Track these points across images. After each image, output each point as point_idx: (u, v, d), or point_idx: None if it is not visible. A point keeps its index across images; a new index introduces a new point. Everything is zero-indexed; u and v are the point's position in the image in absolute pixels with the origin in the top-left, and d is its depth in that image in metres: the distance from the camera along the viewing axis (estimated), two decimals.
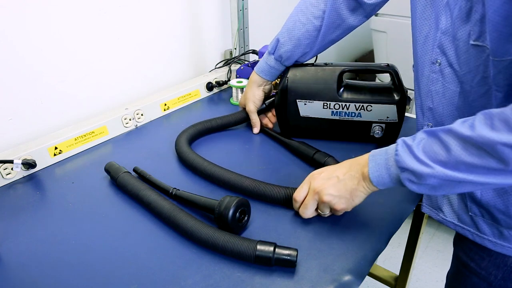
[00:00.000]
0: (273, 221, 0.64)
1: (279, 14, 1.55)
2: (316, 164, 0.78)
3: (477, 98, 0.55)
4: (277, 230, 0.62)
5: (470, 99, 0.56)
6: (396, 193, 0.71)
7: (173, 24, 1.15)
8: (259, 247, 0.54)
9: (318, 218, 0.64)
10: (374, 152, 0.56)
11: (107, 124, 0.93)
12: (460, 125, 0.47)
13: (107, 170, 0.77)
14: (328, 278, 0.53)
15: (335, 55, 2.07)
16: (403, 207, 0.69)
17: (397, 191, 0.71)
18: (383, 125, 0.83)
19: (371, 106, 0.81)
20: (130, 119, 0.98)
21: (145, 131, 0.97)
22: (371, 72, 0.85)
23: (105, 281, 0.54)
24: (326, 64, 0.85)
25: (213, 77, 1.20)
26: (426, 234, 1.73)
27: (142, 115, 1.00)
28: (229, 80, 1.21)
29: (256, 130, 0.92)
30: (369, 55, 2.21)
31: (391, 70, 0.81)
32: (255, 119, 0.92)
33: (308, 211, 0.62)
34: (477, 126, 0.45)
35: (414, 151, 0.50)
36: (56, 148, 0.84)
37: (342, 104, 0.82)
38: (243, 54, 1.29)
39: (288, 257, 0.53)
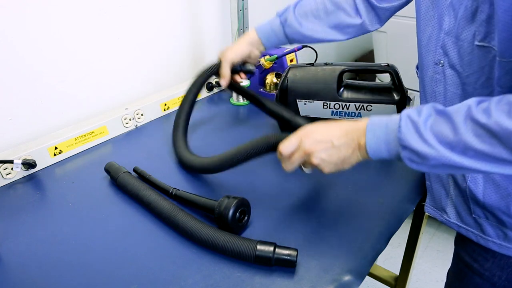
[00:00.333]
0: (273, 221, 0.64)
1: None
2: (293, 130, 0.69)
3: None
4: (277, 230, 0.62)
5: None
6: (396, 193, 0.71)
7: (173, 24, 1.15)
8: (259, 247, 0.54)
9: (318, 218, 0.64)
10: (373, 121, 0.51)
11: (107, 124, 0.93)
12: (475, 108, 0.43)
13: (107, 170, 0.77)
14: (328, 278, 0.53)
15: (335, 55, 2.07)
16: (403, 207, 0.69)
17: (397, 191, 0.71)
18: None
19: (371, 106, 0.81)
20: (130, 119, 0.98)
21: (145, 131, 0.97)
22: (371, 72, 0.85)
23: (105, 281, 0.54)
24: (326, 64, 0.85)
25: (213, 77, 1.20)
26: (426, 234, 1.73)
27: (142, 115, 1.00)
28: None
29: (223, 82, 0.83)
30: (369, 55, 2.21)
31: (391, 70, 0.81)
32: (225, 70, 0.82)
33: (292, 167, 0.58)
34: (493, 111, 0.41)
35: (421, 130, 0.45)
36: (56, 148, 0.84)
37: (342, 104, 0.82)
38: None
39: (288, 257, 0.53)
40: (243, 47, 0.82)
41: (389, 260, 1.64)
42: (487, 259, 0.62)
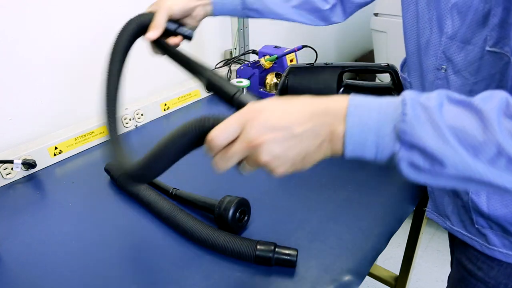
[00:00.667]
0: (273, 221, 0.64)
1: None
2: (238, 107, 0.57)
3: None
4: (277, 230, 0.62)
5: None
6: (396, 193, 0.71)
7: None
8: (259, 247, 0.54)
9: (318, 218, 0.64)
10: (358, 101, 0.36)
11: None
12: None
13: (107, 170, 0.77)
14: (328, 278, 0.53)
15: (335, 55, 2.07)
16: (403, 207, 0.69)
17: (397, 191, 0.71)
18: None
19: None
20: (130, 119, 0.98)
21: (145, 131, 0.97)
22: (371, 72, 0.85)
23: (105, 281, 0.54)
24: (326, 64, 0.85)
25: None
26: (426, 234, 1.73)
27: (142, 115, 1.00)
28: (229, 80, 1.20)
29: (152, 33, 0.64)
30: (369, 55, 2.21)
31: (391, 70, 0.81)
32: (159, 20, 0.64)
33: (228, 165, 0.39)
34: None
35: (438, 122, 0.32)
36: (56, 148, 0.84)
37: None
38: (243, 54, 1.29)
39: (288, 257, 0.53)
40: (188, 1, 0.66)
41: (389, 260, 1.64)
42: (492, 267, 0.60)
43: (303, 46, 1.00)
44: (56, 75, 0.90)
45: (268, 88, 1.16)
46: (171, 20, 0.66)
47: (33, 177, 0.79)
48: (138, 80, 1.10)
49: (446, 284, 0.74)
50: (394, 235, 0.63)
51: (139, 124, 1.00)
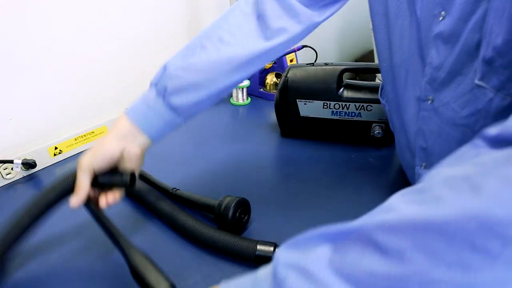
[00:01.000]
0: (273, 221, 0.64)
1: None
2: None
3: None
4: (277, 230, 0.62)
5: None
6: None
7: (173, 24, 1.15)
8: (259, 247, 0.54)
9: (319, 218, 0.64)
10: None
11: (107, 124, 0.93)
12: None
13: None
14: None
15: (335, 54, 2.07)
16: None
17: (397, 191, 0.71)
18: (383, 125, 0.83)
19: (371, 106, 0.81)
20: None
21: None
22: (371, 72, 0.85)
23: (105, 281, 0.54)
24: (326, 64, 0.85)
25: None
26: None
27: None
28: None
29: (75, 201, 0.53)
30: (369, 55, 2.21)
31: None
32: (83, 184, 0.52)
33: None
34: None
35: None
36: (56, 148, 0.84)
37: (342, 104, 0.82)
38: None
39: None
40: (110, 145, 0.52)
41: None
42: None
43: (303, 46, 1.00)
44: (56, 75, 0.90)
45: (268, 88, 1.16)
46: (101, 173, 0.53)
47: (33, 177, 0.79)
48: (138, 80, 1.10)
49: None
50: None
51: None
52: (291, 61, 1.19)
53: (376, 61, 1.91)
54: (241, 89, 1.09)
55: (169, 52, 1.20)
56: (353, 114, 0.83)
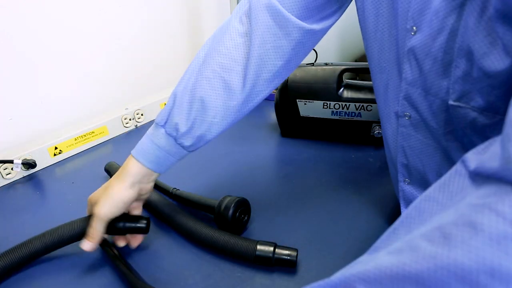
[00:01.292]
0: (273, 221, 0.64)
1: None
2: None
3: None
4: (277, 230, 0.62)
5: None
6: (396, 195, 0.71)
7: (173, 24, 1.15)
8: (259, 247, 0.54)
9: (319, 218, 0.64)
10: None
11: (107, 124, 0.93)
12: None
13: (107, 170, 0.77)
14: None
15: (336, 54, 2.07)
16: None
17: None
18: None
19: (371, 106, 0.81)
20: (130, 119, 0.98)
21: (145, 131, 0.97)
22: None
23: (105, 281, 0.54)
24: (326, 64, 0.85)
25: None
26: None
27: (142, 115, 1.00)
28: None
29: (87, 246, 0.53)
30: None
31: None
32: (96, 230, 0.52)
33: None
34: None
35: None
36: (56, 148, 0.84)
37: (342, 104, 0.82)
38: None
39: (288, 257, 0.53)
40: (127, 193, 0.52)
41: None
42: None
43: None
44: (56, 75, 0.90)
45: None
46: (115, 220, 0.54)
47: (33, 177, 0.79)
48: (138, 80, 1.10)
49: None
50: None
51: (139, 124, 1.00)
52: None
53: None
54: None
55: (169, 52, 1.21)
56: (353, 114, 0.83)
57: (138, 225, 0.55)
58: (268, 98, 1.14)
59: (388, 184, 0.73)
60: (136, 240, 0.57)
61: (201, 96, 0.52)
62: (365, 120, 0.83)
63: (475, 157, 0.29)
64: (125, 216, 0.56)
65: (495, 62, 0.34)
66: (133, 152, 0.54)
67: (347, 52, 2.22)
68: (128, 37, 1.03)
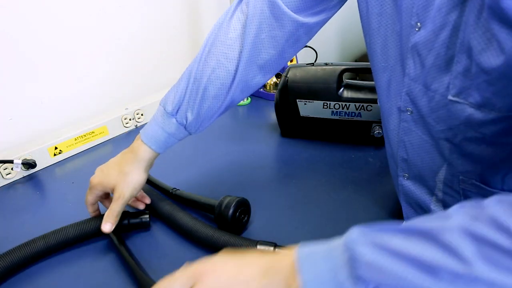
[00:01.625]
0: (273, 221, 0.64)
1: None
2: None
3: (468, 153, 0.46)
4: (277, 230, 0.62)
5: (460, 152, 0.47)
6: (396, 193, 0.71)
7: (173, 24, 1.14)
8: (259, 247, 0.54)
9: (319, 218, 0.64)
10: (306, 252, 0.36)
11: (107, 124, 0.93)
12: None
13: None
14: None
15: (336, 54, 2.07)
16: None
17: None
18: None
19: (371, 106, 0.81)
20: (130, 119, 0.98)
21: None
22: (371, 72, 0.84)
23: (105, 282, 0.54)
24: (326, 64, 0.84)
25: None
26: None
27: (142, 115, 1.00)
28: None
29: (108, 227, 0.57)
30: None
31: None
32: (117, 211, 0.57)
33: None
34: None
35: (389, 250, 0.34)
36: (56, 148, 0.84)
37: (342, 104, 0.82)
38: None
39: None
40: (142, 176, 0.60)
41: None
42: None
43: (303, 46, 1.00)
44: (56, 75, 0.90)
45: (268, 88, 1.16)
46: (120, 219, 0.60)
47: (33, 177, 0.79)
48: (138, 80, 1.10)
49: None
50: None
51: (139, 124, 1.00)
52: (291, 61, 1.19)
53: None
54: None
55: (169, 51, 1.21)
56: (353, 114, 0.83)
57: (143, 220, 0.62)
58: (268, 98, 1.14)
59: (388, 184, 0.73)
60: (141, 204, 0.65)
61: (206, 86, 0.57)
62: (365, 120, 0.83)
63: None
64: (128, 214, 0.61)
65: (491, 58, 0.35)
66: (143, 138, 0.59)
67: (347, 52, 2.22)
68: (128, 37, 1.03)
